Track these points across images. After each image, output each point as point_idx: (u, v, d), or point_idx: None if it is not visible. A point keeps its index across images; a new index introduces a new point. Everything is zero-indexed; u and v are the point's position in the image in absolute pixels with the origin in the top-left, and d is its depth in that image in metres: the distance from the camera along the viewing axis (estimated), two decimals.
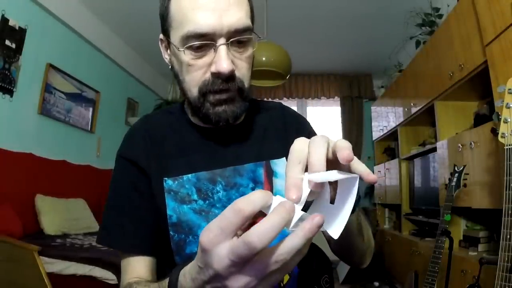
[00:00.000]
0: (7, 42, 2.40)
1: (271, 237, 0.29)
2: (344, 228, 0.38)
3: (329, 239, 0.68)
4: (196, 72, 0.60)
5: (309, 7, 3.15)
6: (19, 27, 2.50)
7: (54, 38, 2.89)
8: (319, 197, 0.37)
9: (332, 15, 3.30)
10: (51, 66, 2.85)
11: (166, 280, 0.43)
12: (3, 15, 2.36)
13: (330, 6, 3.14)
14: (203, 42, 0.57)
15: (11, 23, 2.42)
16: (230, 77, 0.59)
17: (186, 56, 0.58)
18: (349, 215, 0.35)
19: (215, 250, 0.31)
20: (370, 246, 0.63)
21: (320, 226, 0.30)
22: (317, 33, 3.66)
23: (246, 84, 0.63)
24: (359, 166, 0.36)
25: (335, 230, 0.34)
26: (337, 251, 0.65)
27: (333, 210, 0.35)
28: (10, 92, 2.45)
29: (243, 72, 0.62)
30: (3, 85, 2.38)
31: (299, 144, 0.37)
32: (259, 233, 0.29)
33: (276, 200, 0.32)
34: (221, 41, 0.57)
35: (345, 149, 0.34)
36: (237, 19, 0.57)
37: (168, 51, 0.66)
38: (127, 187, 0.66)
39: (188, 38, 0.57)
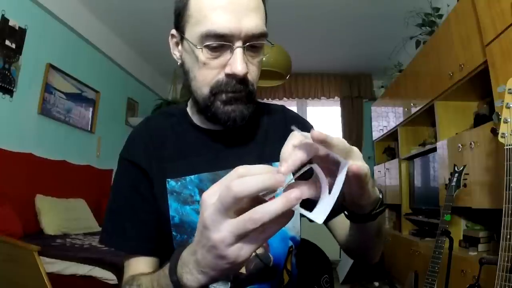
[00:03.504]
0: (7, 42, 2.40)
1: (252, 187, 0.32)
2: (366, 231, 0.46)
3: (343, 241, 0.69)
4: (210, 71, 0.60)
5: (309, 7, 3.15)
6: (19, 27, 2.50)
7: (54, 38, 2.89)
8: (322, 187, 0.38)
9: (332, 15, 3.30)
10: (51, 66, 2.85)
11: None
12: (3, 15, 2.36)
13: (330, 6, 3.14)
14: (221, 42, 0.57)
15: (11, 23, 2.42)
16: (243, 79, 0.60)
17: (203, 54, 0.59)
18: (333, 202, 0.36)
19: (208, 201, 0.35)
20: (382, 244, 0.66)
21: (298, 199, 0.32)
22: (317, 33, 3.66)
23: (255, 88, 0.65)
24: (355, 161, 0.38)
25: (319, 216, 0.36)
26: (353, 250, 0.68)
27: (324, 198, 0.37)
28: (10, 92, 2.45)
29: (253, 76, 0.63)
30: (3, 85, 2.38)
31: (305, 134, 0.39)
32: (241, 181, 0.32)
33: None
34: (238, 43, 0.57)
35: (319, 134, 0.35)
36: (255, 24, 0.58)
37: (179, 47, 0.66)
38: (128, 189, 0.66)
39: (206, 37, 0.57)
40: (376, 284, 3.23)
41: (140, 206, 0.65)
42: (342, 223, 0.69)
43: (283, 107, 0.82)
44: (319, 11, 3.22)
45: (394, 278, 3.16)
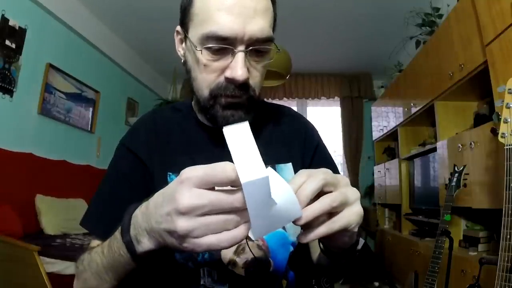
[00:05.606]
0: (7, 42, 2.40)
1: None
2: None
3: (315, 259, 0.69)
4: (210, 74, 0.59)
5: (309, 7, 3.15)
6: (19, 27, 2.50)
7: (54, 38, 2.89)
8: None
9: (332, 15, 3.30)
10: (51, 66, 2.85)
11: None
12: (3, 15, 2.36)
13: (330, 6, 3.14)
14: (222, 45, 0.56)
15: (11, 23, 2.42)
16: (243, 84, 0.58)
17: (203, 56, 0.57)
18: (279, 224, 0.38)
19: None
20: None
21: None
22: (317, 33, 3.66)
23: (257, 93, 0.63)
24: (304, 188, 0.40)
25: (255, 233, 0.38)
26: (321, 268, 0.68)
27: (271, 215, 0.37)
28: (10, 92, 2.45)
29: (256, 81, 0.61)
30: (3, 85, 2.38)
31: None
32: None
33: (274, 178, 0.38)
34: (240, 47, 0.56)
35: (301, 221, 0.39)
36: (260, 29, 0.56)
37: (183, 44, 0.65)
38: (120, 176, 0.66)
39: (208, 38, 0.55)
40: (376, 284, 3.23)
41: (126, 195, 0.63)
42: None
43: (290, 109, 0.82)
44: (319, 11, 3.22)
45: (394, 278, 3.15)
